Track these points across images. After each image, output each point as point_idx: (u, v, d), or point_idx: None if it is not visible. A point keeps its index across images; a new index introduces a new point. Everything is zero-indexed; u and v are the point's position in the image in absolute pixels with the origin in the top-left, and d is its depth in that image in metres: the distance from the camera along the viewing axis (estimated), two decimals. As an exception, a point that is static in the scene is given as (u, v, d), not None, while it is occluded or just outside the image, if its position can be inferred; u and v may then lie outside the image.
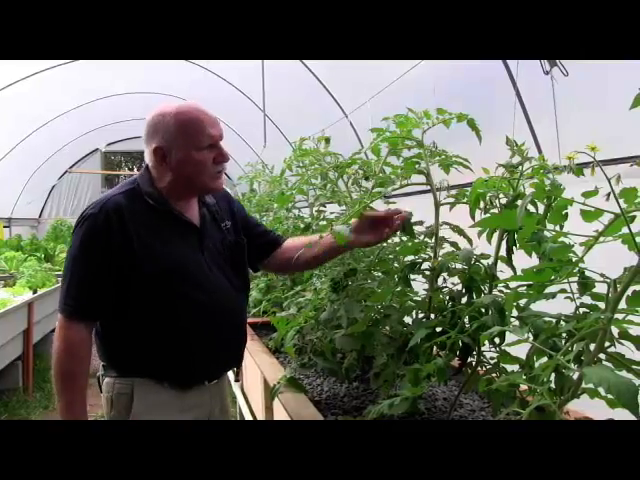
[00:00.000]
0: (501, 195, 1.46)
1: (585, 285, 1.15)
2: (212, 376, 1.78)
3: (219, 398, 1.85)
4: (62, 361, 1.60)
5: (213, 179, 1.70)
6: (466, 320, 1.46)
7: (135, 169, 15.65)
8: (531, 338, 1.21)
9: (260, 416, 2.63)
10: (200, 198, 1.81)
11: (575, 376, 1.02)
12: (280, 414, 1.98)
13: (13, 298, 4.95)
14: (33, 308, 5.03)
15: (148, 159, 1.74)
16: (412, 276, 1.70)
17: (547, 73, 2.63)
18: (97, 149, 13.09)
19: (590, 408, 1.30)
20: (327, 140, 2.30)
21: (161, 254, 1.63)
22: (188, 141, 1.64)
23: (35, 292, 5.35)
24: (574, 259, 1.12)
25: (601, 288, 1.10)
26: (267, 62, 5.19)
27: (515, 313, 1.33)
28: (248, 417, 2.97)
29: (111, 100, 9.50)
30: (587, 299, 1.17)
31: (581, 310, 1.19)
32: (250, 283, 1.96)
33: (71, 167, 12.84)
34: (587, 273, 1.14)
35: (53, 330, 5.88)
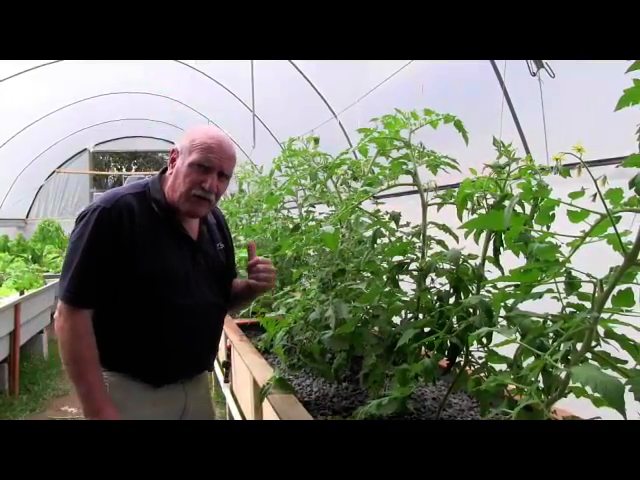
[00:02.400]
0: (488, 196, 1.47)
1: (572, 285, 1.16)
2: (180, 377, 1.82)
3: (195, 395, 1.87)
4: (74, 347, 1.63)
5: (186, 199, 1.70)
6: (454, 320, 1.47)
7: (124, 169, 15.55)
8: (519, 338, 1.22)
9: (249, 416, 2.63)
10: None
11: (562, 375, 1.03)
12: (269, 415, 1.98)
13: (-1, 299, 4.92)
14: (20, 309, 4.98)
15: (169, 159, 1.81)
16: (400, 276, 1.71)
17: (534, 75, 2.65)
18: (85, 149, 13.00)
19: (577, 407, 1.31)
20: (316, 140, 2.31)
21: (153, 258, 1.69)
22: (190, 153, 1.70)
23: (22, 293, 5.31)
24: (561, 259, 1.13)
25: (587, 288, 1.11)
26: (256, 63, 5.18)
27: (503, 313, 1.34)
28: (237, 418, 2.96)
29: (99, 100, 9.45)
30: (574, 299, 1.18)
31: (568, 310, 1.19)
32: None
33: (59, 167, 12.75)
34: (574, 273, 1.15)
35: (40, 332, 5.87)
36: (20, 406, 4.73)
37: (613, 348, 1.09)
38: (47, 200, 12.87)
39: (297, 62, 5.77)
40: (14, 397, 4.88)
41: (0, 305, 4.63)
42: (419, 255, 1.67)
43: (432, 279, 1.69)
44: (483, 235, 1.49)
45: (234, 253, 2.07)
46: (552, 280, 1.14)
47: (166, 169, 1.81)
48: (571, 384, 1.00)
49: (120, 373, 1.72)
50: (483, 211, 1.47)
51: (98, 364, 1.66)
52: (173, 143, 13.44)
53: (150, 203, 1.74)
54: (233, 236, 3.57)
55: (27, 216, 12.57)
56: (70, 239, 1.71)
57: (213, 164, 1.69)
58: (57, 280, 6.41)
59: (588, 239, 1.03)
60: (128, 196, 1.71)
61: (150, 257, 1.68)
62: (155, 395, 1.74)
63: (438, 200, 1.67)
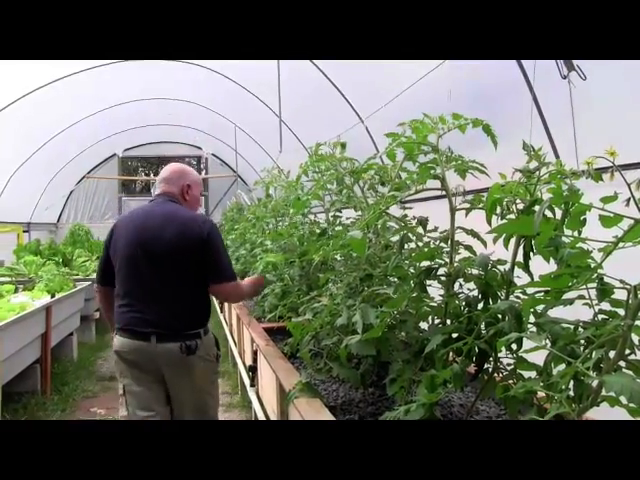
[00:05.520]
0: (518, 200, 1.45)
1: (604, 291, 1.14)
2: None
3: None
4: (246, 292, 3.02)
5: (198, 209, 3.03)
6: (482, 326, 1.46)
7: (152, 174, 15.77)
8: (549, 345, 1.20)
9: (275, 421, 2.63)
10: None
11: (594, 384, 1.01)
12: (295, 419, 1.98)
13: (32, 302, 5.00)
14: (51, 312, 5.07)
15: (177, 190, 2.80)
16: (428, 282, 1.70)
17: (565, 77, 2.61)
18: (114, 154, 13.23)
19: (611, 417, 1.28)
20: (343, 145, 2.31)
21: None
22: (199, 187, 2.95)
23: (53, 296, 5.40)
24: (593, 265, 1.11)
25: (620, 294, 1.09)
26: (283, 68, 5.21)
27: (532, 319, 1.32)
28: (263, 422, 2.97)
29: (128, 106, 9.61)
30: (606, 305, 1.16)
31: (600, 317, 1.17)
32: None
33: (89, 173, 12.99)
34: (606, 279, 1.13)
35: (70, 334, 5.97)
36: (52, 406, 4.82)
37: (648, 357, 1.06)
38: (77, 205, 13.13)
39: (324, 67, 5.78)
40: (46, 397, 4.97)
41: (33, 307, 4.72)
42: (447, 260, 1.66)
43: (460, 284, 1.67)
44: (512, 240, 1.47)
45: None
46: (583, 286, 1.13)
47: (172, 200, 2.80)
48: (604, 393, 0.98)
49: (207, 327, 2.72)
50: (512, 216, 1.46)
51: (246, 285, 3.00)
52: (200, 148, 13.55)
53: None
54: (259, 241, 3.62)
55: (58, 220, 12.84)
56: (215, 242, 2.63)
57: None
58: (86, 284, 6.54)
59: (621, 244, 1.01)
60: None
61: None
62: None
63: (466, 205, 1.66)
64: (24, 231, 10.24)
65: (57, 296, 5.46)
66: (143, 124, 11.48)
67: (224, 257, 2.66)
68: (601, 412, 1.15)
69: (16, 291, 5.68)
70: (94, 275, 7.55)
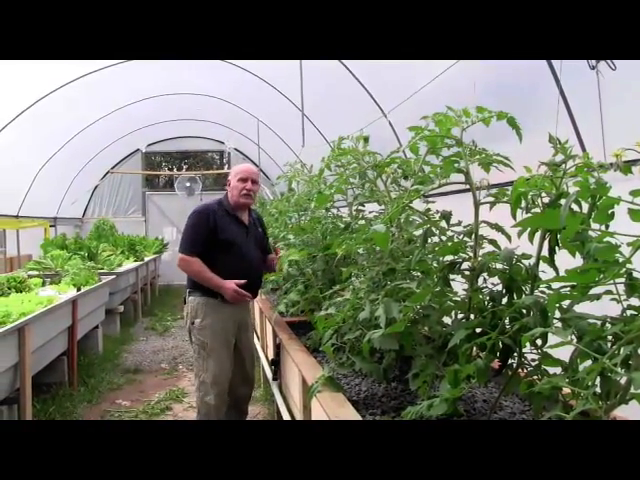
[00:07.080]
0: (543, 194, 1.43)
1: (633, 287, 1.12)
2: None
3: (246, 311, 3.64)
4: (192, 270, 3.33)
5: (240, 196, 3.43)
6: (507, 321, 1.44)
7: (175, 169, 15.89)
8: (575, 340, 1.18)
9: (298, 414, 2.64)
10: (250, 213, 3.61)
11: (623, 381, 0.99)
12: (318, 413, 1.99)
13: (58, 295, 5.08)
14: (77, 305, 5.15)
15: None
16: (452, 276, 1.69)
17: (593, 68, 2.55)
18: (138, 150, 13.36)
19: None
20: (366, 139, 2.30)
21: (228, 232, 3.35)
22: (234, 176, 3.45)
23: (79, 290, 5.48)
24: (621, 260, 1.09)
25: (650, 290, 1.07)
26: (305, 62, 5.20)
27: (558, 315, 1.30)
28: (286, 415, 2.98)
29: (151, 101, 9.68)
30: (635, 301, 1.14)
31: (628, 312, 1.15)
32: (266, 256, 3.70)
33: (113, 168, 13.13)
34: (635, 274, 1.11)
35: (96, 327, 6.07)
36: (78, 397, 4.92)
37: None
38: (102, 200, 13.30)
39: (347, 62, 5.75)
40: (73, 389, 5.06)
41: (59, 301, 4.80)
42: (471, 254, 1.65)
43: (484, 279, 1.66)
44: (537, 234, 1.45)
45: (267, 237, 3.83)
46: (611, 281, 1.11)
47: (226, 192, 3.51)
48: (633, 390, 0.97)
49: (209, 297, 3.32)
50: (538, 210, 1.44)
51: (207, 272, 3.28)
52: (223, 143, 13.59)
53: (224, 207, 3.43)
54: (282, 235, 3.66)
55: (83, 215, 13.02)
56: (186, 223, 3.37)
57: (246, 176, 3.43)
58: (111, 277, 6.66)
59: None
60: (213, 204, 3.44)
61: (225, 231, 3.34)
62: (225, 309, 3.33)
63: (490, 199, 1.64)
64: (51, 226, 10.41)
65: (83, 290, 5.54)
66: (166, 119, 11.57)
67: (184, 235, 3.39)
68: (630, 410, 1.13)
69: (43, 284, 5.78)
70: (119, 269, 7.72)
